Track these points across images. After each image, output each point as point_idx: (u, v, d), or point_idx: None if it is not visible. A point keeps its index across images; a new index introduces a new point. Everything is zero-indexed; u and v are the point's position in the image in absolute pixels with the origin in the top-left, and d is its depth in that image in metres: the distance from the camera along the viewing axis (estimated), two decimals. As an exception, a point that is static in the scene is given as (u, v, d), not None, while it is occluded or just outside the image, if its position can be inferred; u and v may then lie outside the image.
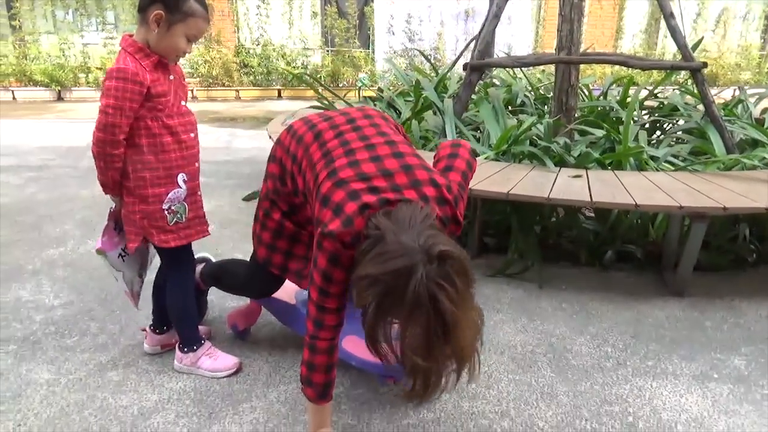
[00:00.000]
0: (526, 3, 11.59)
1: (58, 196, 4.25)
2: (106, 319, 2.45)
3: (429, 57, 10.70)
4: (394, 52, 11.10)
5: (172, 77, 1.87)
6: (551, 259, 3.09)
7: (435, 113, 4.33)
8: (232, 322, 2.31)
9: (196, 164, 1.99)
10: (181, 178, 1.91)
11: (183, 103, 1.92)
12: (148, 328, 2.20)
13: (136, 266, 2.11)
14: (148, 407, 1.88)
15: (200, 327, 2.24)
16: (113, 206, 1.97)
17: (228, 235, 3.48)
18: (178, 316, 2.08)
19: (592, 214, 3.32)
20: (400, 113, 4.60)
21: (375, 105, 4.89)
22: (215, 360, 2.08)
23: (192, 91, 10.29)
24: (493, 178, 2.83)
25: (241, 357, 2.16)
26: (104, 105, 1.73)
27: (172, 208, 1.92)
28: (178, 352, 2.10)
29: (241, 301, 2.54)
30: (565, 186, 2.70)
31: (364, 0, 11.26)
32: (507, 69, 5.91)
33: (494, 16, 3.83)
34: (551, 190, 2.60)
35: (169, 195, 1.90)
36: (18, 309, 2.53)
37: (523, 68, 5.71)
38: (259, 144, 6.31)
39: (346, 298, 1.53)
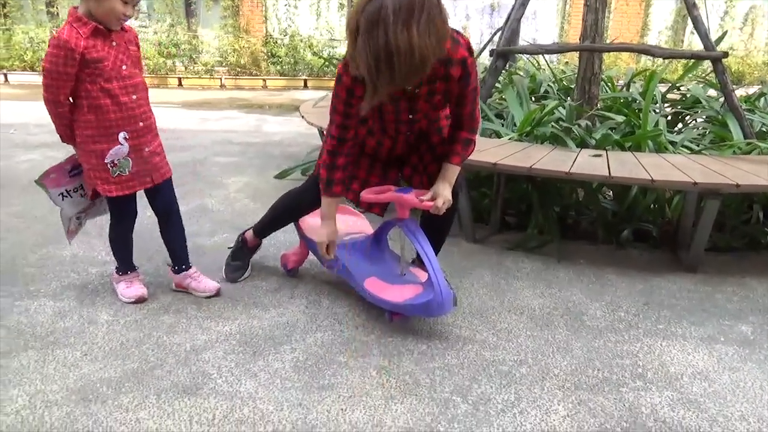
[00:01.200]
0: (552, -2, 11.65)
1: (101, 169, 4.49)
2: (155, 273, 2.66)
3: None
4: (419, 45, 11.24)
5: (115, 43, 2.04)
6: (570, 236, 3.24)
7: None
8: (283, 262, 2.67)
9: (140, 124, 2.16)
10: (122, 136, 2.12)
11: (123, 67, 2.07)
12: (170, 265, 2.52)
13: (75, 210, 2.34)
14: (199, 345, 2.08)
15: (211, 283, 2.47)
16: (75, 153, 2.22)
17: (261, 208, 3.66)
18: (114, 248, 2.41)
19: (611, 195, 3.45)
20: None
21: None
22: (127, 287, 2.39)
23: (221, 79, 10.56)
24: (516, 155, 2.98)
25: (282, 308, 2.35)
26: (43, 68, 1.99)
27: (115, 161, 2.13)
28: (114, 272, 2.44)
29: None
30: (585, 163, 2.84)
31: (390, -7, 11.41)
32: (531, 61, 6.03)
33: (521, 4, 3.97)
34: (572, 167, 2.74)
35: (111, 151, 2.12)
36: (75, 263, 2.76)
37: (547, 59, 5.84)
38: (287, 129, 6.52)
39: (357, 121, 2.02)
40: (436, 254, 2.26)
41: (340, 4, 11.37)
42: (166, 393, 1.81)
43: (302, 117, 4.23)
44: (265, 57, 10.85)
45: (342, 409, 1.76)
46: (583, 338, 2.22)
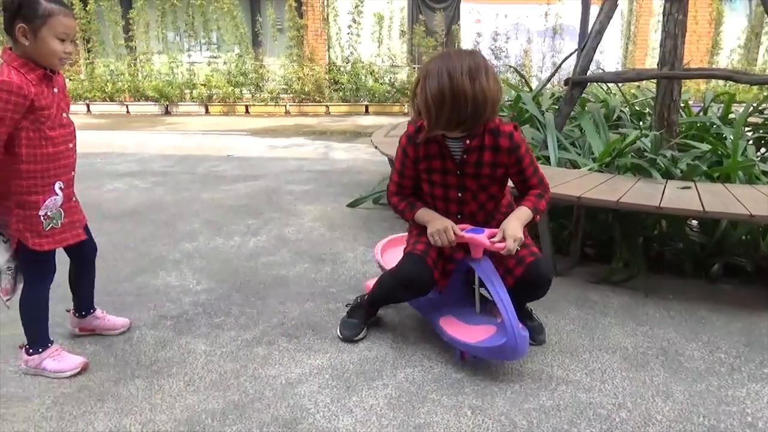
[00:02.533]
0: (615, 19, 11.44)
1: (183, 198, 4.71)
2: (244, 304, 2.75)
3: (515, 74, 10.78)
4: (480, 69, 11.26)
5: (56, 90, 1.96)
6: (655, 269, 3.13)
7: (533, 127, 4.45)
8: (366, 290, 2.61)
9: (73, 173, 2.09)
10: (57, 186, 2.00)
11: (64, 114, 2.01)
12: (71, 311, 2.37)
13: (7, 255, 2.06)
14: (293, 378, 2.13)
15: (119, 319, 2.43)
16: None
17: (338, 237, 3.75)
18: (30, 316, 2.10)
19: (696, 227, 3.33)
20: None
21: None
22: (59, 362, 2.12)
23: (285, 106, 10.90)
24: (600, 188, 2.92)
25: (370, 342, 2.38)
26: None
27: (48, 214, 1.99)
28: (23, 354, 2.12)
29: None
30: (674, 196, 2.76)
31: (451, 18, 11.52)
32: (600, 84, 5.93)
33: (597, 33, 3.93)
34: (661, 200, 2.67)
35: (47, 202, 1.98)
36: (168, 292, 2.89)
37: (618, 84, 5.73)
38: (354, 155, 6.64)
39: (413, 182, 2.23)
40: (520, 309, 2.24)
41: (401, 31, 11.57)
42: (268, 427, 1.86)
43: (375, 147, 4.31)
44: (328, 84, 11.14)
45: (441, 450, 1.76)
46: (683, 381, 2.13)
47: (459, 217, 2.23)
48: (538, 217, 2.18)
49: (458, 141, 2.11)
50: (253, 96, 11.16)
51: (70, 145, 2.05)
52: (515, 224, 2.07)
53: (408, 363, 2.24)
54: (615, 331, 2.52)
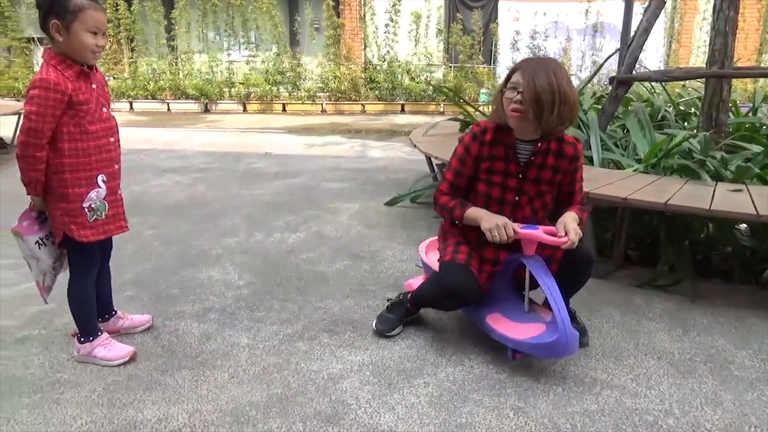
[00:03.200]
0: (660, 16, 11.15)
1: (223, 194, 4.79)
2: (285, 299, 2.78)
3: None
4: (518, 68, 11.13)
5: (94, 86, 2.02)
6: (701, 273, 3.04)
7: (574, 126, 4.38)
8: (408, 289, 2.61)
9: (116, 166, 2.13)
10: (100, 179, 2.06)
11: (104, 109, 2.06)
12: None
13: (52, 258, 2.16)
14: (335, 374, 2.15)
15: (142, 317, 2.46)
16: (32, 202, 2.07)
17: (376, 235, 3.76)
18: (79, 307, 2.17)
19: (746, 231, 3.22)
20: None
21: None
22: (109, 350, 2.19)
23: (322, 104, 10.98)
24: (646, 189, 2.86)
25: (410, 340, 2.38)
26: (28, 111, 1.88)
27: (92, 206, 2.05)
28: (76, 342, 2.20)
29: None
30: (725, 199, 2.68)
31: (488, 16, 11.42)
32: (644, 83, 5.80)
33: (644, 31, 3.84)
34: (711, 203, 2.60)
35: (90, 194, 2.04)
36: (212, 286, 2.95)
37: (663, 83, 5.59)
38: (390, 154, 6.65)
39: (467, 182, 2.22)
40: (567, 302, 2.21)
41: (438, 29, 11.51)
42: (311, 421, 1.88)
43: (414, 146, 4.31)
44: (364, 82, 11.17)
45: (484, 451, 1.75)
46: (733, 390, 2.07)
47: (512, 220, 2.19)
48: (581, 225, 2.14)
49: (529, 144, 2.13)
50: (290, 94, 11.28)
51: (112, 139, 2.11)
52: (572, 219, 2.08)
53: (449, 362, 2.24)
54: (660, 336, 2.46)
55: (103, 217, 2.11)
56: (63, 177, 1.99)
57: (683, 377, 2.15)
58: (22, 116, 1.92)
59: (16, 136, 1.94)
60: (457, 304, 2.26)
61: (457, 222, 2.29)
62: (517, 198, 2.18)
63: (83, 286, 2.17)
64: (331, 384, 2.09)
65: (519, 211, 2.20)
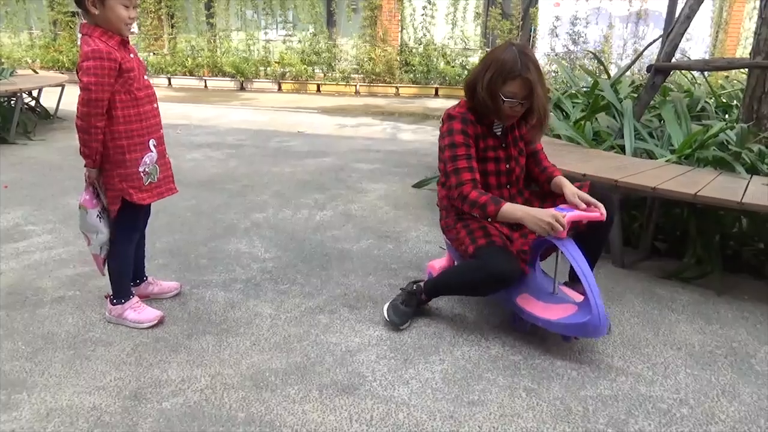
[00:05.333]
0: (706, 5, 10.75)
1: (255, 170, 4.88)
2: (309, 274, 2.85)
3: (593, 60, 10.38)
4: (556, 55, 10.91)
5: (132, 56, 2.10)
6: (730, 268, 2.99)
7: (609, 114, 4.31)
8: (429, 272, 2.68)
9: (161, 131, 2.24)
10: (152, 143, 2.17)
11: (145, 77, 2.16)
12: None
13: (108, 230, 2.25)
14: (353, 347, 2.21)
15: (170, 283, 2.56)
16: (88, 176, 2.15)
17: (402, 216, 3.79)
18: (118, 269, 2.29)
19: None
20: (567, 115, 4.63)
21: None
22: (139, 313, 2.29)
23: (356, 86, 10.99)
24: (678, 179, 2.81)
25: (429, 318, 2.42)
26: (86, 82, 1.95)
27: (147, 170, 2.17)
28: (108, 303, 2.31)
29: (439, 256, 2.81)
30: (759, 193, 2.62)
31: (529, 1, 11.20)
32: (685, 74, 5.65)
33: (686, 18, 3.73)
34: (743, 196, 2.54)
35: (144, 158, 2.15)
36: (239, 257, 3.03)
37: (704, 74, 5.44)
38: (421, 137, 6.64)
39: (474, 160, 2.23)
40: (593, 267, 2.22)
41: (476, 13, 11.35)
42: (327, 389, 1.94)
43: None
44: (399, 65, 11.12)
45: (494, 427, 1.78)
46: (752, 384, 2.05)
47: (509, 186, 2.34)
48: None
49: None
50: (324, 75, 11.31)
51: (155, 105, 2.22)
52: (575, 189, 2.20)
53: (465, 341, 2.26)
54: (682, 327, 2.44)
55: (156, 180, 2.22)
56: (120, 144, 2.09)
57: (701, 368, 2.13)
58: (79, 89, 2.00)
59: (76, 108, 2.01)
60: (500, 288, 2.22)
61: (489, 219, 2.22)
62: (507, 165, 2.32)
63: (126, 249, 2.30)
64: (349, 356, 2.14)
65: (512, 174, 2.34)
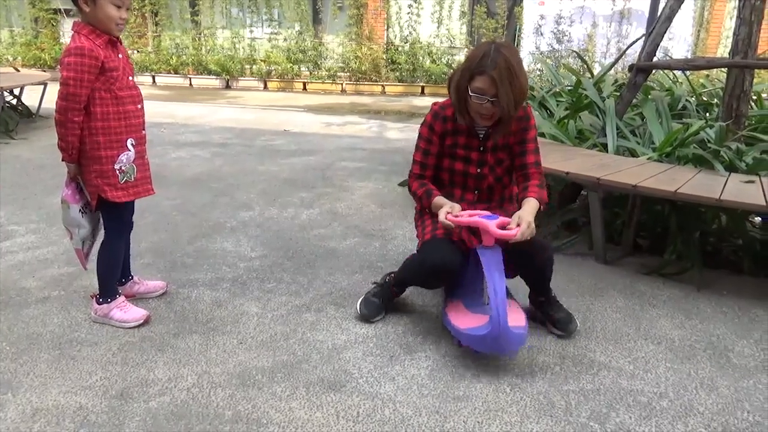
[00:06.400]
0: (688, 4, 10.88)
1: (240, 169, 4.87)
2: (296, 272, 2.86)
3: (578, 59, 10.47)
4: (541, 53, 10.99)
5: (120, 56, 2.14)
6: (710, 264, 3.05)
7: (591, 113, 4.36)
8: None
9: (143, 132, 2.26)
10: (129, 142, 2.19)
11: (130, 78, 2.19)
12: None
13: (91, 226, 2.31)
14: (339, 344, 2.22)
15: (156, 282, 2.56)
16: (69, 171, 2.20)
17: (388, 214, 3.81)
18: (107, 268, 2.30)
19: (758, 224, 3.21)
20: (551, 113, 4.68)
21: (526, 103, 5.00)
22: (125, 313, 2.30)
23: (342, 84, 10.98)
24: (658, 177, 2.86)
25: (414, 316, 2.44)
26: (65, 77, 2.00)
27: (123, 168, 2.18)
28: (93, 303, 2.32)
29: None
30: (736, 190, 2.68)
31: (513, 0, 11.26)
32: (666, 73, 5.72)
33: (666, 18, 3.79)
34: (722, 193, 2.60)
35: (120, 156, 2.16)
36: (225, 256, 3.03)
37: (685, 72, 5.52)
38: (408, 135, 6.65)
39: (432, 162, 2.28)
40: (545, 299, 2.24)
41: (462, 12, 11.39)
42: (314, 387, 1.96)
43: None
44: (386, 63, 11.13)
45: (478, 422, 1.81)
46: (729, 376, 2.10)
47: (476, 192, 2.32)
48: (542, 207, 2.15)
49: None
50: (311, 73, 11.28)
51: (138, 106, 2.24)
52: (529, 212, 2.04)
53: (450, 338, 2.28)
54: (662, 322, 2.49)
55: (133, 179, 2.23)
56: (96, 140, 2.12)
57: (681, 362, 2.18)
58: (59, 84, 2.05)
59: (55, 102, 2.06)
60: (443, 280, 2.29)
61: (427, 210, 2.32)
62: (479, 170, 2.27)
63: (115, 248, 2.32)
64: (335, 354, 2.16)
65: (483, 181, 2.29)
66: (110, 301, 2.31)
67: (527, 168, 2.25)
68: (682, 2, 3.87)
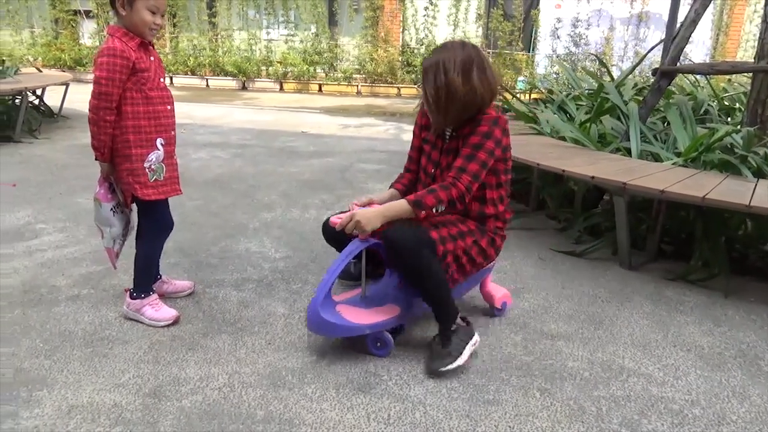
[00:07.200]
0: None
1: (261, 170, 4.90)
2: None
3: (595, 62, 10.42)
4: (557, 56, 10.95)
5: (152, 58, 2.19)
6: (736, 271, 3.02)
7: (613, 117, 4.34)
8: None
9: (172, 132, 2.30)
10: (159, 141, 2.23)
11: (161, 79, 2.25)
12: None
13: (122, 225, 2.35)
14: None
15: (183, 282, 2.58)
16: (102, 170, 2.24)
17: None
18: (144, 265, 2.35)
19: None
20: (571, 117, 4.66)
21: (546, 107, 5.00)
22: (157, 311, 2.33)
23: (357, 86, 11.02)
24: (685, 182, 2.84)
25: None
26: (98, 77, 2.06)
27: (152, 167, 2.22)
28: (127, 297, 2.36)
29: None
30: (766, 196, 2.65)
31: (530, 2, 11.24)
32: (686, 76, 5.68)
33: (692, 22, 3.77)
34: (751, 199, 2.57)
35: (150, 156, 2.21)
36: (249, 257, 3.05)
37: (707, 76, 5.48)
38: (425, 138, 6.66)
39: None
40: (440, 322, 2.12)
41: (478, 14, 11.39)
42: (344, 388, 1.97)
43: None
44: (401, 65, 11.15)
45: (510, 426, 1.81)
46: (762, 385, 2.08)
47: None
48: (422, 213, 2.02)
49: None
50: (326, 75, 11.35)
51: (168, 107, 2.28)
52: (370, 212, 2.01)
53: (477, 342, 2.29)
54: (691, 329, 2.47)
55: (162, 178, 2.27)
56: (126, 138, 2.17)
57: (711, 370, 2.16)
58: (92, 83, 2.11)
59: (89, 101, 2.12)
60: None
61: None
62: (433, 170, 2.24)
63: (155, 246, 2.39)
64: (363, 355, 2.17)
65: (438, 181, 2.17)
66: (143, 297, 2.34)
67: (451, 170, 2.08)
68: (708, 6, 3.84)
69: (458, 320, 2.15)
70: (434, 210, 2.05)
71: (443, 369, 2.03)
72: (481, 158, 2.07)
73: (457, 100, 2.04)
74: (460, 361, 2.05)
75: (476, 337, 2.15)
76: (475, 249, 2.17)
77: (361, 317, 2.12)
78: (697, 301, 2.73)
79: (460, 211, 2.18)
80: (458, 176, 2.06)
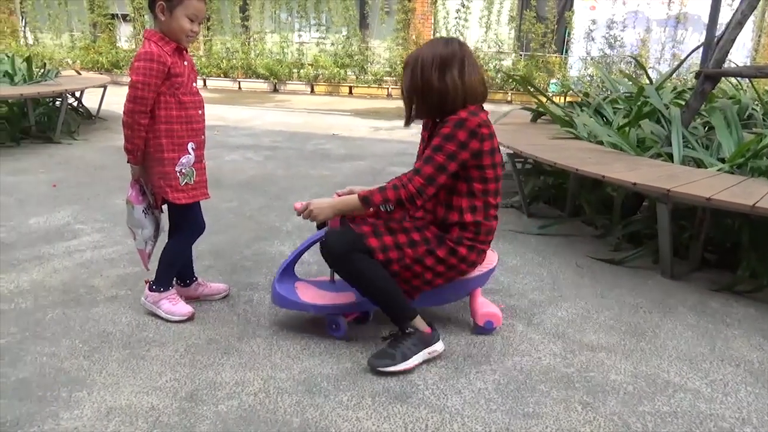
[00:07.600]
0: (748, 9, 10.48)
1: (293, 173, 4.91)
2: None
3: (630, 64, 10.21)
4: (592, 59, 10.76)
5: (186, 63, 2.21)
6: (785, 282, 2.90)
7: (652, 120, 4.22)
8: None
9: (203, 137, 2.32)
10: (190, 146, 2.24)
11: (194, 84, 2.27)
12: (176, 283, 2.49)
13: (153, 226, 2.38)
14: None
15: (219, 285, 2.59)
16: (133, 172, 2.28)
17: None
18: (169, 261, 2.37)
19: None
20: (608, 120, 4.55)
21: (582, 110, 4.89)
22: (174, 305, 2.36)
23: (387, 89, 11.01)
24: (732, 190, 2.74)
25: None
26: (134, 81, 2.09)
27: (183, 171, 2.24)
28: (146, 289, 2.39)
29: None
30: (820, 205, 2.53)
31: (564, 4, 11.07)
32: (729, 79, 5.51)
33: (737, 24, 3.63)
34: (804, 208, 2.46)
35: (181, 159, 2.22)
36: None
37: (751, 80, 5.30)
38: (456, 141, 6.61)
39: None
40: (397, 324, 2.12)
41: (511, 17, 11.27)
42: (380, 396, 1.94)
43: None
44: (432, 68, 11.09)
45: (551, 441, 1.76)
46: (817, 404, 1.98)
47: None
48: (370, 209, 2.06)
49: None
50: (357, 77, 11.37)
51: (200, 112, 2.31)
52: (324, 203, 2.11)
53: (516, 351, 2.24)
54: (739, 342, 2.37)
55: (192, 182, 2.30)
56: (159, 142, 2.20)
57: (762, 386, 2.07)
58: (128, 86, 2.15)
59: (124, 104, 2.15)
60: None
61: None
62: (417, 164, 2.14)
63: (183, 246, 2.43)
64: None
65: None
66: (162, 291, 2.38)
67: (416, 163, 2.09)
68: (755, 7, 3.71)
69: (421, 326, 2.11)
70: (381, 209, 2.07)
71: (380, 369, 2.04)
72: (437, 161, 2.01)
73: (429, 97, 2.05)
74: (402, 366, 2.04)
75: (436, 347, 2.12)
76: (430, 259, 2.09)
77: (313, 297, 2.27)
78: (744, 313, 2.62)
79: (429, 213, 2.19)
80: (411, 178, 2.03)
